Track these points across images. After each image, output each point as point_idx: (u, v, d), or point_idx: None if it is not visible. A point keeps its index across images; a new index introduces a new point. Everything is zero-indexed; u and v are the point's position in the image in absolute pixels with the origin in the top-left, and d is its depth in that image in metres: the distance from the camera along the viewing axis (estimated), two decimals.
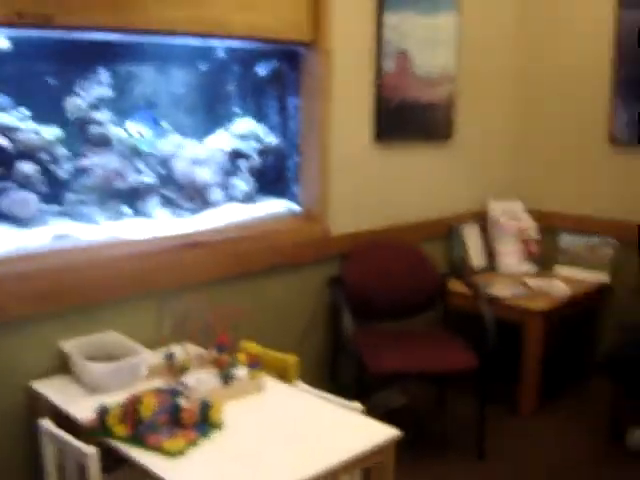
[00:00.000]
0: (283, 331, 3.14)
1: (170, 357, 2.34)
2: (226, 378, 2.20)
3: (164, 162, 3.07)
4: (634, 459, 3.12)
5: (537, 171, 4.17)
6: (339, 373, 3.33)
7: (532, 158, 4.18)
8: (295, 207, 3.31)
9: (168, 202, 3.05)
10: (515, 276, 3.87)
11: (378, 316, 3.33)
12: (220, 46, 3.19)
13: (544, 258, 4.03)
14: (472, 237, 3.92)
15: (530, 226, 3.99)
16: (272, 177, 3.40)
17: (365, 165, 3.40)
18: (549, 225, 4.07)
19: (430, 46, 3.57)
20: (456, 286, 3.49)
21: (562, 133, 4.05)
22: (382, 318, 3.35)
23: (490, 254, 4.02)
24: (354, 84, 3.28)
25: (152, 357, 2.37)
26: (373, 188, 3.45)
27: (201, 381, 2.20)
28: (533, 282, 3.71)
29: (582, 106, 3.95)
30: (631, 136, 3.74)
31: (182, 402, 2.01)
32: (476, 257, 3.92)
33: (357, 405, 2.13)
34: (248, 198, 3.26)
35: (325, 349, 3.35)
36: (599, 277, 3.85)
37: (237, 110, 3.36)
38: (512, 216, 4.02)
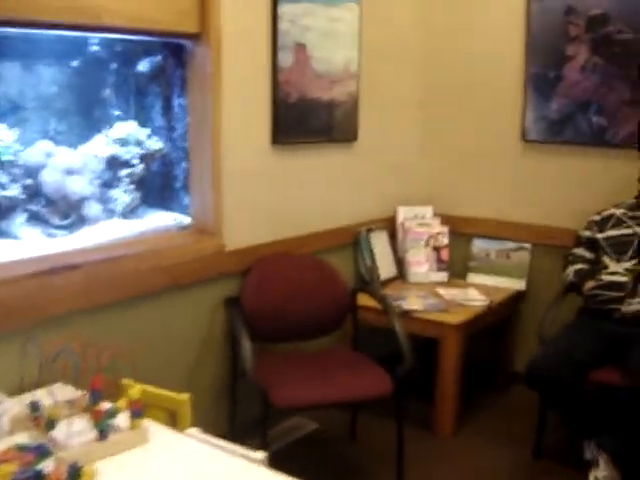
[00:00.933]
0: (174, 364, 2.80)
1: (36, 406, 1.98)
2: (102, 431, 1.86)
3: (31, 173, 2.66)
4: (559, 475, 2.99)
5: (447, 174, 3.98)
6: (240, 407, 3.03)
7: (442, 161, 3.99)
8: (185, 220, 2.97)
9: (37, 219, 2.66)
10: (427, 286, 3.66)
11: (282, 338, 3.05)
12: (96, 40, 2.82)
13: (456, 266, 3.85)
14: (380, 245, 3.69)
15: (441, 232, 3.79)
16: (158, 187, 3.06)
17: (263, 171, 3.11)
18: (461, 231, 3.88)
19: (331, 39, 3.32)
20: (366, 300, 3.25)
21: (472, 133, 3.87)
22: (286, 340, 3.07)
23: (400, 262, 3.81)
24: (248, 81, 2.98)
25: (14, 406, 2.01)
26: (272, 196, 3.16)
27: (72, 435, 1.85)
28: (447, 292, 3.51)
29: (493, 104, 3.79)
30: (544, 134, 3.62)
31: (47, 466, 1.67)
32: (385, 266, 3.68)
33: (259, 455, 1.83)
34: (131, 212, 2.90)
35: (224, 380, 3.03)
36: (515, 284, 3.69)
37: (117, 112, 2.99)
38: (422, 222, 3.81)
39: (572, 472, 2.95)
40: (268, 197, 3.14)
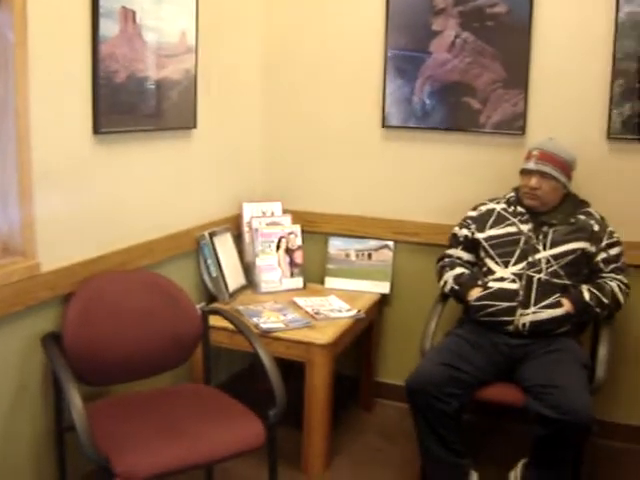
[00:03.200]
0: None
1: None
2: None
3: None
4: None
5: (297, 166, 3.55)
6: (70, 463, 2.45)
7: (291, 151, 3.56)
8: None
9: None
10: (282, 295, 3.24)
11: (115, 380, 2.48)
12: None
13: (312, 269, 3.46)
14: (226, 250, 3.19)
15: (293, 231, 3.37)
16: None
17: (84, 167, 2.48)
18: (316, 229, 3.50)
19: (165, 6, 2.76)
20: (216, 320, 2.76)
21: (325, 120, 3.48)
22: (122, 382, 2.51)
23: (248, 269, 3.35)
24: (62, 53, 2.33)
25: None
26: (97, 198, 2.54)
27: None
28: (307, 302, 3.11)
29: (349, 86, 3.41)
30: (407, 119, 3.30)
31: None
32: (233, 275, 3.21)
33: None
34: None
35: (48, 435, 2.43)
36: (378, 287, 3.36)
37: None
38: (272, 221, 3.37)
39: None
40: (92, 200, 2.53)
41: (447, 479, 2.67)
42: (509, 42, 3.08)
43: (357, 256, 3.42)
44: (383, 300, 3.41)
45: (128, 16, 2.60)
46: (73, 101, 2.43)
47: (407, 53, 3.24)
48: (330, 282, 3.43)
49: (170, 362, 2.60)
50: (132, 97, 2.67)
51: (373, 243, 3.41)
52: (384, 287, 3.37)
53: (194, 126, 3.03)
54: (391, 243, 3.39)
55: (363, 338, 3.37)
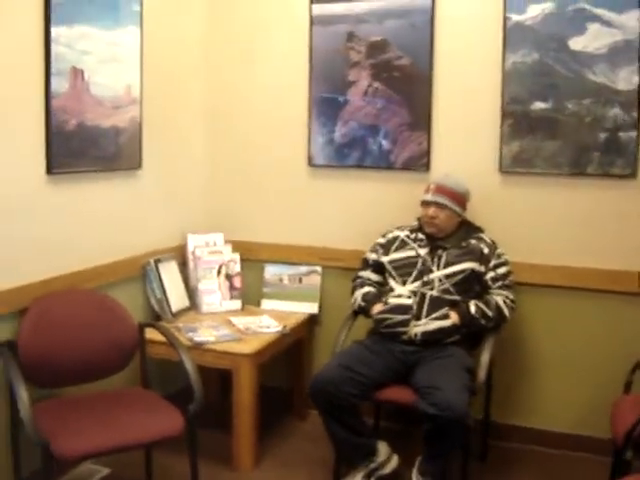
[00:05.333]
0: None
1: None
2: None
3: None
4: None
5: (236, 201, 4.16)
6: (25, 459, 3.00)
7: (230, 187, 4.17)
8: None
9: None
10: (220, 315, 3.81)
11: (63, 383, 3.05)
12: None
13: (249, 293, 4.04)
14: (171, 276, 3.79)
15: (233, 259, 3.97)
16: None
17: (39, 204, 3.07)
18: (253, 257, 4.09)
19: (112, 65, 3.39)
20: (156, 334, 3.34)
21: (260, 160, 4.09)
22: (69, 384, 3.08)
23: (192, 293, 3.94)
24: (18, 108, 2.96)
25: None
26: (51, 229, 3.14)
27: None
28: (240, 321, 3.68)
29: (279, 130, 4.03)
30: (329, 158, 3.91)
31: None
32: (177, 297, 3.79)
33: None
34: None
35: (3, 431, 2.98)
36: (308, 308, 3.94)
37: None
38: (213, 250, 3.97)
39: None
40: (45, 230, 3.12)
41: (356, 457, 3.24)
42: (413, 90, 3.71)
43: (289, 280, 4.01)
44: (313, 319, 3.98)
45: (77, 74, 3.23)
46: (28, 147, 3.04)
47: (328, 100, 3.87)
48: (265, 304, 4.01)
49: (111, 368, 3.17)
50: (82, 142, 3.28)
51: (303, 268, 4.00)
52: (313, 307, 3.96)
53: (139, 167, 3.64)
54: (319, 268, 3.98)
55: (295, 353, 3.94)
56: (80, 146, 3.27)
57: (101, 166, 3.43)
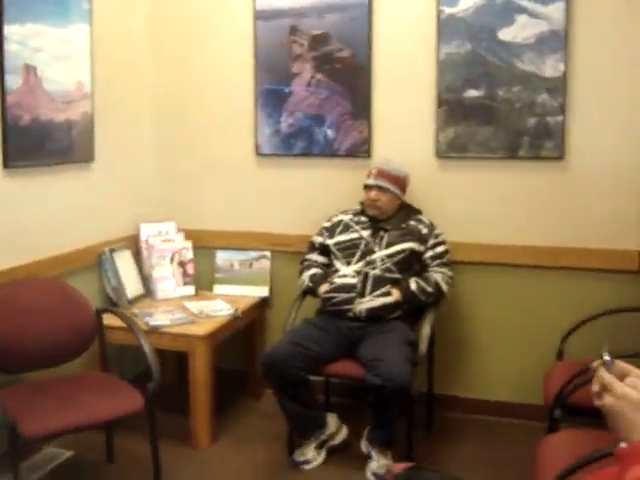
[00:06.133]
0: None
1: None
2: None
3: None
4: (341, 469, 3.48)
5: (188, 190, 4.38)
6: None
7: (181, 177, 4.39)
8: None
9: None
10: (175, 301, 4.04)
11: (24, 368, 3.23)
12: None
13: (202, 279, 4.27)
14: (125, 264, 4.00)
15: (185, 247, 4.19)
16: None
17: None
18: (205, 244, 4.31)
19: (63, 61, 3.58)
20: (114, 320, 3.54)
21: (209, 150, 4.31)
22: (29, 369, 3.27)
23: (147, 280, 4.15)
24: None
25: None
26: (7, 220, 3.31)
27: None
28: (194, 305, 3.90)
29: (227, 120, 4.25)
30: (276, 147, 4.15)
31: None
32: (132, 285, 4.01)
33: None
34: None
35: None
36: (259, 291, 4.18)
37: None
38: (166, 238, 4.19)
39: (353, 467, 3.44)
40: (4, 222, 3.30)
41: (307, 429, 3.50)
42: (354, 80, 3.96)
43: (240, 265, 4.25)
44: (264, 302, 4.23)
45: (30, 71, 3.41)
46: None
47: (274, 91, 4.10)
48: (218, 289, 4.25)
49: (71, 353, 3.36)
50: (36, 137, 3.46)
51: (253, 254, 4.24)
52: (264, 291, 4.20)
53: (92, 159, 3.84)
54: (268, 253, 4.23)
55: (248, 335, 4.19)
56: (35, 140, 3.45)
57: (55, 159, 3.62)
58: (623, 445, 1.64)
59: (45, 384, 3.22)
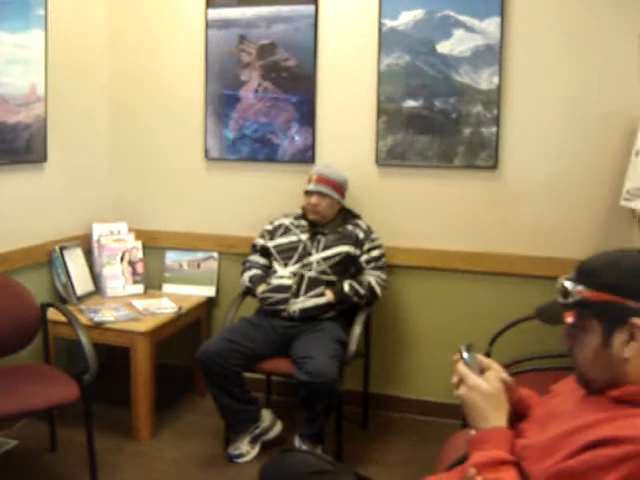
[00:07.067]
0: None
1: None
2: None
3: None
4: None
5: (139, 191, 4.60)
6: None
7: (133, 178, 4.61)
8: None
9: None
10: (123, 299, 4.23)
11: None
12: None
13: (151, 278, 4.48)
14: (76, 262, 4.20)
15: (135, 246, 4.40)
16: None
17: None
18: (154, 244, 4.53)
19: (17, 65, 3.78)
20: (60, 316, 3.74)
21: (160, 152, 4.53)
22: None
23: (97, 278, 4.35)
24: None
25: None
26: None
27: None
28: (140, 303, 4.10)
29: (178, 125, 4.47)
30: (224, 152, 4.36)
31: None
32: (82, 282, 4.20)
33: None
34: None
35: None
36: (206, 291, 4.40)
37: None
38: (117, 238, 4.40)
39: None
40: None
41: (241, 423, 3.69)
42: (299, 88, 4.18)
43: (189, 266, 4.46)
44: (211, 301, 4.44)
45: None
46: None
47: (223, 97, 4.32)
48: (167, 288, 4.46)
49: (14, 345, 3.54)
50: None
51: (201, 255, 4.46)
52: (211, 291, 4.42)
53: (45, 160, 4.04)
54: (216, 254, 4.44)
55: (194, 333, 4.38)
56: None
57: (7, 159, 3.81)
58: (473, 432, 1.84)
59: None
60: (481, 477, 1.67)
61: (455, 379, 1.89)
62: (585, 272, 1.75)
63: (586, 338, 1.72)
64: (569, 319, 1.76)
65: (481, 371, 1.89)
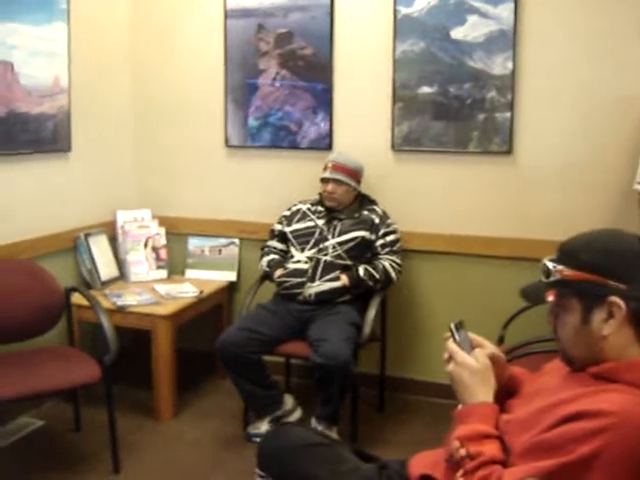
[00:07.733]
0: None
1: None
2: None
3: None
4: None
5: (162, 179, 4.74)
6: None
7: (157, 167, 4.75)
8: None
9: None
10: (146, 284, 4.38)
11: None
12: None
13: (174, 263, 4.62)
14: (101, 248, 4.34)
15: (159, 233, 4.54)
16: None
17: None
18: (177, 231, 4.66)
19: (40, 57, 3.92)
20: (82, 300, 3.88)
21: (183, 141, 4.66)
22: (5, 342, 3.63)
23: (121, 264, 4.49)
24: None
25: None
26: None
27: None
28: (163, 288, 4.24)
29: (200, 114, 4.59)
30: (244, 139, 4.47)
31: None
32: (106, 268, 4.35)
33: None
34: None
35: None
36: (227, 276, 4.53)
37: None
38: (141, 224, 4.53)
39: None
40: None
41: (262, 407, 3.81)
42: (316, 77, 4.28)
43: (210, 252, 4.60)
44: (232, 286, 4.57)
45: (7, 67, 3.76)
46: None
47: (242, 86, 4.43)
48: (189, 273, 4.61)
49: (40, 328, 3.70)
50: (13, 128, 3.81)
51: (223, 241, 4.59)
52: (232, 276, 4.55)
53: (69, 149, 4.19)
54: (237, 240, 4.57)
55: (216, 318, 4.51)
56: (11, 131, 3.80)
57: (32, 149, 3.96)
58: (459, 407, 1.93)
59: (10, 356, 3.55)
60: (464, 449, 1.75)
61: (446, 356, 1.97)
62: (565, 252, 1.82)
63: (567, 316, 1.79)
64: (550, 298, 1.83)
65: (473, 348, 1.97)
